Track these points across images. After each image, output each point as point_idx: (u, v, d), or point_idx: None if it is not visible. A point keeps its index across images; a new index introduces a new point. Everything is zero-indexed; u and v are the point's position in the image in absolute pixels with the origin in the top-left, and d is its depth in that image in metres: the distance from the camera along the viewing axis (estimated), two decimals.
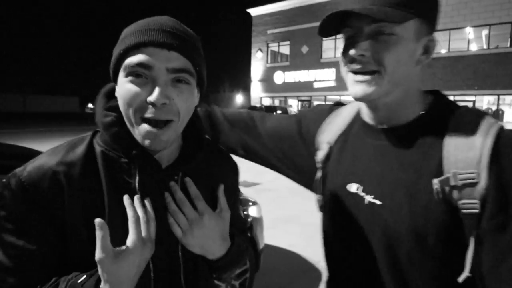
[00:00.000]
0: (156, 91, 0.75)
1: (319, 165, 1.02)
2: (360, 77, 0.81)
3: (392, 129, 0.88)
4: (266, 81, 25.57)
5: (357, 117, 1.00)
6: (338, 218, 0.95)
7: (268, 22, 25.16)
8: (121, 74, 0.79)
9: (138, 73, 0.76)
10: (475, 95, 19.48)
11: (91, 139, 0.87)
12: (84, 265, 0.77)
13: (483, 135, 0.76)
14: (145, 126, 0.77)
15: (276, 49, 26.10)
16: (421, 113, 0.87)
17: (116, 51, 0.80)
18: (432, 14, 0.81)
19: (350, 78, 0.84)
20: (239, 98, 28.12)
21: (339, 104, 1.14)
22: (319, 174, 1.01)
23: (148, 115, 0.76)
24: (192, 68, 0.81)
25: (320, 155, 1.02)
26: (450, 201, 0.76)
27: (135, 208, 0.79)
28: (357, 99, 0.84)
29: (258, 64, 26.10)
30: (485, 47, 19.45)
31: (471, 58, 19.32)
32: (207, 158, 0.99)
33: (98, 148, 0.84)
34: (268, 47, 25.62)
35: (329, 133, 1.04)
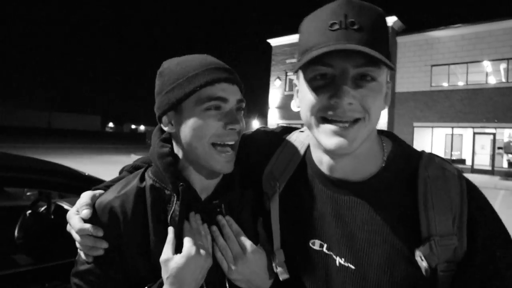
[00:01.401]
0: (236, 118, 0.87)
1: (274, 216, 0.91)
2: (338, 127, 0.73)
3: (356, 183, 0.83)
4: (283, 108, 25.69)
5: (309, 160, 0.93)
6: (307, 276, 0.88)
7: (287, 52, 25.49)
8: (194, 106, 0.84)
9: (217, 106, 0.84)
10: (495, 127, 19.30)
11: (143, 172, 0.96)
12: None
13: (457, 196, 0.75)
14: (226, 152, 0.87)
15: (294, 77, 24.75)
16: (383, 161, 0.84)
17: (185, 88, 0.84)
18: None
19: (324, 128, 0.75)
20: (255, 124, 28.13)
21: (284, 131, 1.09)
22: (276, 225, 0.91)
23: (228, 140, 0.86)
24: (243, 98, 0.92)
25: (274, 205, 0.92)
26: (432, 267, 0.74)
27: (189, 223, 0.87)
28: (332, 151, 0.75)
29: (276, 92, 26.31)
30: (503, 80, 19.33)
31: (490, 91, 19.25)
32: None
33: (148, 181, 0.92)
34: (286, 75, 25.84)
35: (277, 173, 0.95)
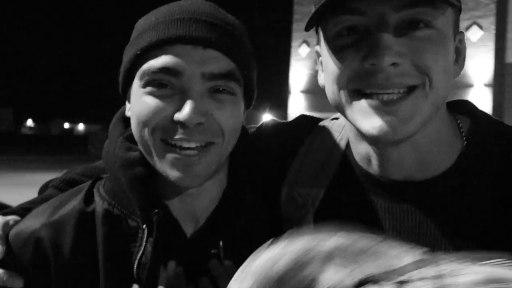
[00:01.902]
0: (188, 105, 0.62)
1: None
2: (381, 102, 0.59)
3: (427, 184, 0.68)
4: (313, 92, 17.92)
5: (351, 158, 0.77)
6: None
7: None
8: (136, 84, 0.67)
9: (161, 82, 0.64)
10: None
11: (89, 189, 0.75)
12: None
13: None
14: (171, 155, 0.65)
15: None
16: (461, 148, 0.69)
17: (130, 52, 0.68)
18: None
19: (360, 105, 0.62)
20: (268, 118, 19.47)
21: (308, 121, 0.89)
22: None
23: (174, 137, 0.64)
24: (238, 72, 0.68)
25: (306, 227, 0.72)
26: None
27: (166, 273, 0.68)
28: (376, 139, 0.62)
29: (301, 66, 18.68)
30: None
31: None
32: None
33: (100, 204, 0.72)
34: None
35: (306, 186, 0.77)
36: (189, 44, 0.63)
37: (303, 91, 19.20)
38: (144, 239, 0.68)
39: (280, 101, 20.45)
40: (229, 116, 0.66)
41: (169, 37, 0.62)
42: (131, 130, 0.71)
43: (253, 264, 0.56)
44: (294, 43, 19.52)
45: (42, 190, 0.89)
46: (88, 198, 0.73)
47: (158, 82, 0.63)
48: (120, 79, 0.72)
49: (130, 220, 0.70)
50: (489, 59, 15.54)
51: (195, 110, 0.61)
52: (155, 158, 0.65)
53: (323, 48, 0.67)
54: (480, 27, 15.12)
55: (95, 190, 0.74)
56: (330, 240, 0.55)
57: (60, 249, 0.67)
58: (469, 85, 14.99)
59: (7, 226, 0.70)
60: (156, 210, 0.67)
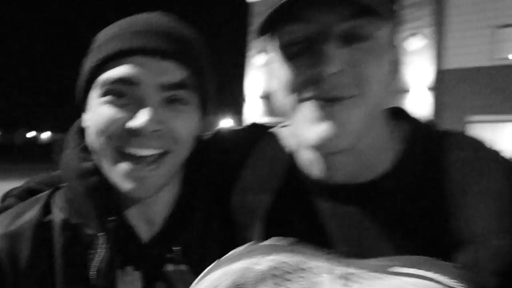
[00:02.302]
0: (144, 113, 0.61)
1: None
2: (321, 107, 0.59)
3: (364, 187, 0.69)
4: (268, 98, 18.01)
5: (296, 164, 0.77)
6: None
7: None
8: (95, 94, 0.66)
9: (119, 92, 0.63)
10: None
11: (47, 200, 0.74)
12: None
13: (504, 180, 0.63)
14: (124, 164, 0.63)
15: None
16: (398, 152, 0.70)
17: (88, 63, 0.67)
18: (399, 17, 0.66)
19: (302, 111, 0.62)
20: (226, 124, 20.60)
21: (257, 130, 0.89)
22: None
23: (130, 146, 0.63)
24: (194, 82, 0.68)
25: (256, 232, 0.73)
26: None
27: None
28: (317, 145, 0.62)
29: (257, 74, 19.29)
30: None
31: None
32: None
33: (57, 213, 0.71)
34: None
35: (255, 192, 0.78)
36: (147, 55, 0.62)
37: (261, 96, 19.42)
38: (101, 246, 0.67)
39: (236, 107, 20.72)
40: (184, 125, 0.66)
41: (128, 48, 0.62)
42: (86, 141, 0.71)
43: None
44: (250, 52, 19.91)
45: (3, 199, 0.87)
46: (46, 209, 0.72)
47: (116, 92, 0.63)
48: (78, 89, 0.71)
49: (87, 228, 0.69)
50: (430, 65, 16.58)
51: (151, 118, 0.61)
52: (109, 168, 0.65)
53: (273, 56, 0.68)
54: (422, 36, 16.10)
55: (51, 201, 0.73)
56: (265, 259, 0.56)
57: (17, 259, 0.66)
58: (410, 89, 15.90)
59: None
60: (111, 218, 0.67)
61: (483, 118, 16.39)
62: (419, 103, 16.20)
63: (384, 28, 0.61)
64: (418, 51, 15.80)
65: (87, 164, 0.69)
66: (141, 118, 0.61)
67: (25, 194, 0.82)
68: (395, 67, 0.67)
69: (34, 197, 0.75)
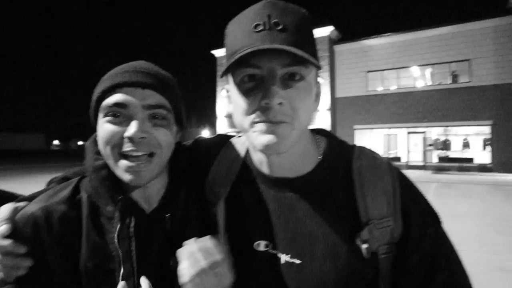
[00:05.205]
0: (133, 125, 0.76)
1: (221, 224, 0.89)
2: (268, 126, 0.73)
3: (296, 180, 0.85)
4: (231, 117, 25.78)
5: (250, 163, 0.93)
6: (251, 282, 0.84)
7: None
8: (100, 116, 0.80)
9: (115, 113, 0.77)
10: (426, 127, 20.93)
11: (77, 184, 0.87)
12: None
13: (389, 180, 0.79)
14: (124, 162, 0.77)
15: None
16: (319, 158, 0.86)
17: (94, 95, 0.80)
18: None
19: (256, 128, 0.74)
20: (205, 134, 27.97)
21: (223, 138, 1.05)
22: (222, 232, 0.88)
23: (126, 149, 0.77)
24: (168, 104, 0.82)
25: (220, 212, 0.89)
26: (373, 251, 0.76)
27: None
28: (264, 149, 0.75)
29: (223, 101, 26.18)
30: (429, 83, 21.05)
31: (419, 94, 20.84)
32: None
33: (84, 194, 0.84)
34: None
35: (220, 180, 0.93)
36: (131, 86, 0.76)
37: (225, 116, 26.16)
38: (117, 217, 0.80)
39: (212, 122, 26.42)
40: (164, 134, 0.79)
41: (119, 82, 0.76)
42: (99, 147, 0.82)
43: None
44: (218, 88, 26.73)
45: (48, 184, 0.99)
46: (76, 190, 0.84)
47: (113, 113, 0.76)
48: (90, 113, 0.82)
49: (108, 206, 0.81)
50: (327, 95, 21.71)
51: (138, 129, 0.74)
52: (114, 165, 0.77)
53: (232, 88, 0.77)
54: (322, 77, 20.70)
55: (80, 185, 0.86)
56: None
57: (51, 225, 0.76)
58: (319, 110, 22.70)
59: (16, 211, 0.80)
60: (120, 197, 0.79)
61: (361, 127, 22.25)
62: (322, 119, 21.94)
63: (311, 72, 0.74)
64: (321, 86, 21.24)
65: (99, 162, 0.81)
66: (132, 129, 0.74)
67: (62, 180, 0.95)
68: (317, 97, 0.80)
69: (66, 182, 0.88)
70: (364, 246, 0.74)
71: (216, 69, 26.86)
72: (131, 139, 0.76)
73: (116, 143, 0.77)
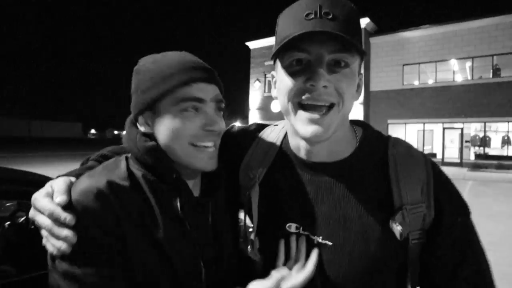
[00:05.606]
0: (214, 119, 0.84)
1: (255, 207, 0.91)
2: (315, 115, 0.76)
3: (333, 165, 0.87)
4: (262, 109, 25.79)
5: (286, 148, 0.96)
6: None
7: (266, 55, 25.76)
8: (171, 107, 0.81)
9: (194, 107, 0.82)
10: (463, 122, 20.29)
11: (125, 161, 0.86)
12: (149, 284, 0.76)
13: (423, 168, 0.81)
14: (197, 153, 0.83)
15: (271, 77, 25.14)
16: (356, 145, 0.88)
17: (159, 88, 0.81)
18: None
19: (301, 116, 0.78)
20: (237, 125, 28.32)
21: (259, 127, 1.09)
22: (255, 214, 0.91)
23: (207, 142, 0.83)
24: (221, 96, 0.89)
25: (254, 195, 0.92)
26: (405, 235, 0.77)
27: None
28: (308, 139, 0.79)
29: (255, 94, 26.33)
30: (469, 77, 20.34)
31: (457, 88, 20.21)
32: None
33: (138, 172, 0.83)
34: (265, 77, 26.05)
35: (255, 164, 0.96)
36: (204, 82, 0.82)
37: (257, 108, 26.44)
38: (179, 190, 0.82)
39: (244, 114, 26.55)
40: (223, 120, 0.88)
41: (195, 77, 0.81)
42: (140, 129, 0.86)
43: None
44: (251, 80, 26.85)
45: (83, 163, 0.99)
46: (128, 168, 0.84)
47: (192, 107, 0.81)
48: (142, 106, 0.83)
49: (164, 185, 0.82)
50: (361, 88, 21.62)
51: (213, 119, 0.83)
52: (183, 155, 0.82)
53: (279, 72, 0.80)
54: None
55: (129, 163, 0.85)
56: None
57: (122, 200, 0.76)
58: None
59: (70, 183, 0.77)
60: (176, 175, 0.81)
61: (395, 122, 21.78)
62: (355, 113, 20.78)
63: (356, 61, 0.76)
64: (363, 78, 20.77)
65: (151, 143, 0.81)
66: (216, 122, 0.84)
67: (101, 158, 0.97)
68: (359, 87, 0.81)
69: (113, 159, 0.87)
70: (399, 228, 0.75)
71: (250, 61, 27.06)
72: (212, 131, 0.84)
73: (192, 134, 0.82)
